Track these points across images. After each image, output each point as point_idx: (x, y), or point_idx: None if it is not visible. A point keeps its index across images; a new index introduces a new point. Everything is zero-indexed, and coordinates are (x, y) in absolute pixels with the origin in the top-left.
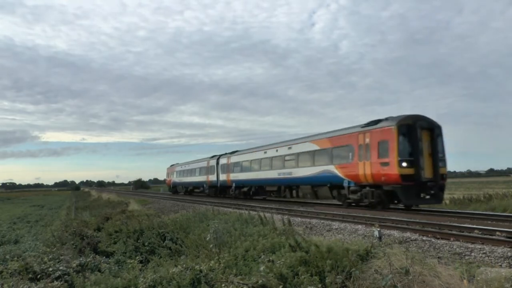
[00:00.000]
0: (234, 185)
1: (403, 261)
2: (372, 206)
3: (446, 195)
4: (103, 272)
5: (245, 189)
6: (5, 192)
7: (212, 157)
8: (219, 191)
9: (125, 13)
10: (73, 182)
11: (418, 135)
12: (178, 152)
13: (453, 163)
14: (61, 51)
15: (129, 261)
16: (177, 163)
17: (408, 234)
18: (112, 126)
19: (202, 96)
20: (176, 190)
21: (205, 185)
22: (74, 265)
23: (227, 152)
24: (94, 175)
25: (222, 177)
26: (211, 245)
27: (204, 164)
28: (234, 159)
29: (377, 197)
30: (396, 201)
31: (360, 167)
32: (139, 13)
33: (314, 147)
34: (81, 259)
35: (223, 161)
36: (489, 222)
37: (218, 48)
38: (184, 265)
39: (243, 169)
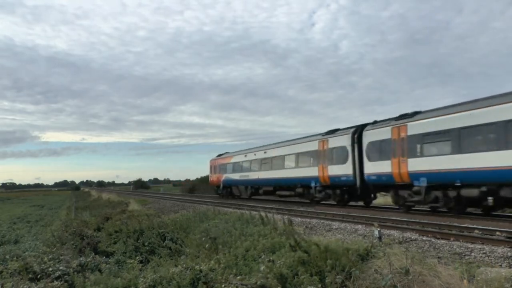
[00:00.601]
0: (425, 182)
1: (403, 261)
2: None
3: None
4: (103, 272)
5: (475, 191)
6: (5, 192)
7: (332, 132)
8: (361, 194)
9: (125, 13)
10: (73, 182)
11: None
12: (178, 152)
13: None
14: (61, 51)
15: (129, 261)
16: (226, 152)
17: (408, 234)
18: (112, 126)
19: (202, 96)
20: (231, 191)
21: (313, 184)
22: (74, 265)
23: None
24: (94, 175)
25: (372, 168)
26: (207, 245)
27: (310, 146)
28: (424, 127)
29: None
30: None
31: None
32: (139, 13)
33: None
34: (81, 259)
35: (374, 136)
36: (489, 222)
37: (218, 48)
38: (184, 265)
39: (469, 146)
